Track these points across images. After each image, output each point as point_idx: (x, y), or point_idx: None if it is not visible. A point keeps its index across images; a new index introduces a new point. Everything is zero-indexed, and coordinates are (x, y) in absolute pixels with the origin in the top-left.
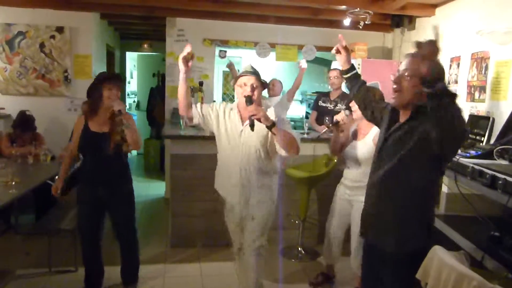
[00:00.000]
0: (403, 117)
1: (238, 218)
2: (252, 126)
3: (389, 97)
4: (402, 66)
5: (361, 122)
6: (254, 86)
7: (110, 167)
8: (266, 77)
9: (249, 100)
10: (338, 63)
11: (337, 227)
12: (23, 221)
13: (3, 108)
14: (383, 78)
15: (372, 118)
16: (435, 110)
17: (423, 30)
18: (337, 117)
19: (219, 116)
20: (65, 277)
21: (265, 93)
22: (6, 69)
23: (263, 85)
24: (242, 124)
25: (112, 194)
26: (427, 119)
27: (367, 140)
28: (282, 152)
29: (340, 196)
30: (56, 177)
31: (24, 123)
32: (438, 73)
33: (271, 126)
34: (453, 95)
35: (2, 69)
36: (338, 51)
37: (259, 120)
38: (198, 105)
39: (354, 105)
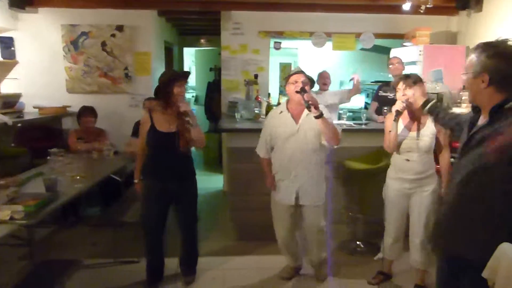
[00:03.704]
0: (483, 119)
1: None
2: (309, 107)
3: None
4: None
5: (415, 113)
6: (304, 82)
7: (178, 163)
8: (322, 67)
9: (303, 89)
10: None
11: (397, 222)
12: (90, 213)
13: (70, 106)
14: (447, 64)
15: (454, 134)
16: None
17: (492, 12)
18: (397, 108)
19: (271, 126)
20: (129, 268)
21: (315, 88)
22: (71, 68)
23: (311, 82)
24: (296, 123)
25: (180, 188)
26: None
27: (430, 127)
28: (325, 143)
29: (396, 190)
30: (136, 180)
31: (87, 109)
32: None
33: (319, 115)
34: None
35: (68, 69)
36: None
37: (314, 105)
38: (263, 144)
39: (404, 90)
